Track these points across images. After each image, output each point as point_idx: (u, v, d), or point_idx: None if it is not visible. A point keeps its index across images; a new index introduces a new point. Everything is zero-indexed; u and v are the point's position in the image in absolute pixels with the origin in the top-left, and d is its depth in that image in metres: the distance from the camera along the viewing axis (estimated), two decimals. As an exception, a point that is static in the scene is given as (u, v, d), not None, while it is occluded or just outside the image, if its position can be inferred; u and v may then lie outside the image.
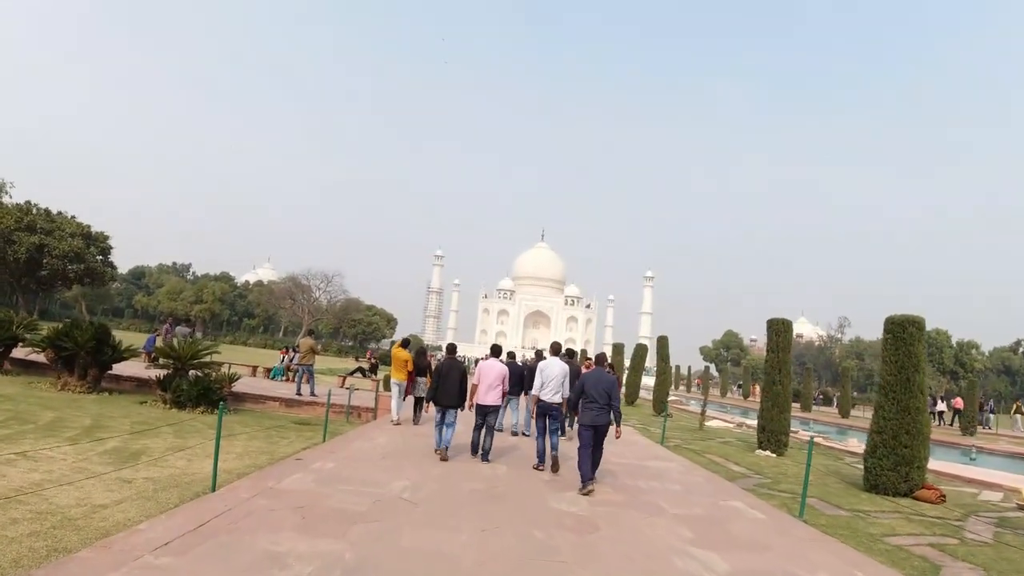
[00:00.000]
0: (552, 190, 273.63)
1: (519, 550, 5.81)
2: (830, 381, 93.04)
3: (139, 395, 16.42)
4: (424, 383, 14.64)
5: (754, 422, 26.53)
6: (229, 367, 24.92)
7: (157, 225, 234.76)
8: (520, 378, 13.85)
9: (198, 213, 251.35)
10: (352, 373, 24.95)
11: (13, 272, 32.44)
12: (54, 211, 33.86)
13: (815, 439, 21.19)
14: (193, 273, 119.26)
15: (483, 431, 10.72)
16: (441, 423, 10.75)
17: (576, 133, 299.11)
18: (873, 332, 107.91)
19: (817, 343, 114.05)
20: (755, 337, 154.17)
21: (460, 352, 15.23)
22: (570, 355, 13.06)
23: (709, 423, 23.22)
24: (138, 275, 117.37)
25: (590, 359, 12.13)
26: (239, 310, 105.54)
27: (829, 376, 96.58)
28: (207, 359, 16.63)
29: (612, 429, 9.20)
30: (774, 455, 15.66)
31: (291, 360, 24.38)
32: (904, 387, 11.20)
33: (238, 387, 18.36)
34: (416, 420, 15.44)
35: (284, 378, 23.99)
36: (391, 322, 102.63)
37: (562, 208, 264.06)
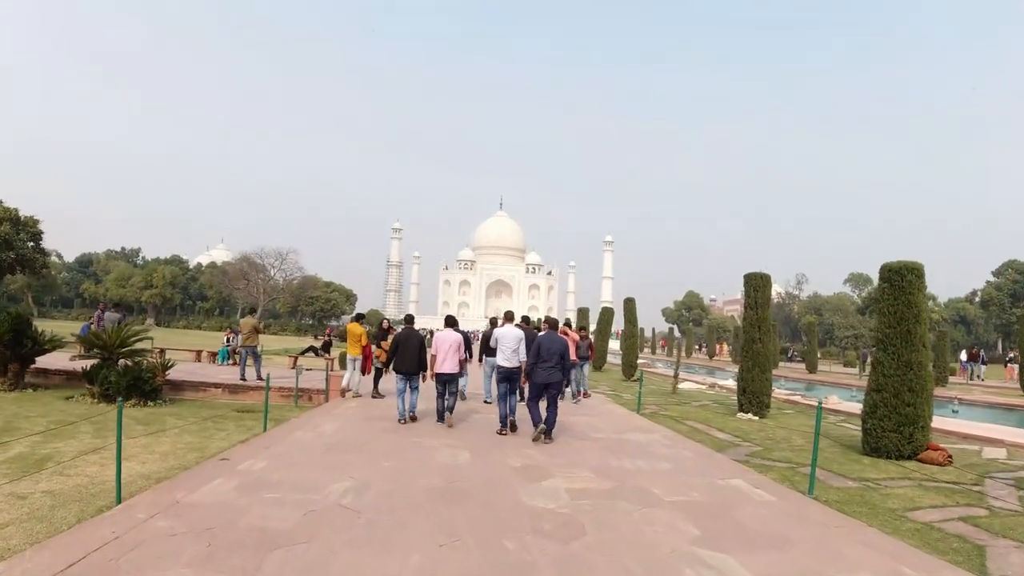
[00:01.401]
0: (509, 158, 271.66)
1: (486, 572, 4.58)
2: (789, 337, 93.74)
3: (67, 390, 14.84)
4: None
5: (726, 382, 25.87)
6: (164, 353, 23.32)
7: (105, 211, 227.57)
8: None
9: (147, 198, 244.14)
10: (304, 352, 23.40)
11: (-64, 265, 30.13)
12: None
13: (791, 397, 20.45)
14: (143, 258, 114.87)
15: (444, 397, 11.41)
16: (404, 390, 11.43)
17: (530, 100, 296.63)
18: (830, 287, 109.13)
19: (776, 300, 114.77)
20: (714, 297, 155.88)
21: (425, 324, 15.83)
22: (526, 321, 13.66)
23: (682, 385, 22.27)
24: (85, 263, 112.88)
25: (583, 328, 15.52)
26: (192, 293, 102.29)
27: (788, 332, 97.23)
28: (138, 346, 15.14)
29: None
30: (757, 418, 14.71)
31: (238, 342, 22.76)
32: (904, 340, 10.18)
33: (177, 375, 16.88)
34: (375, 394, 14.50)
35: (231, 362, 22.42)
36: (350, 298, 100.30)
37: (520, 176, 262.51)
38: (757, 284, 15.32)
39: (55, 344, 15.52)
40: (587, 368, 17.29)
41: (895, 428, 9.98)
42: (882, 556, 5.28)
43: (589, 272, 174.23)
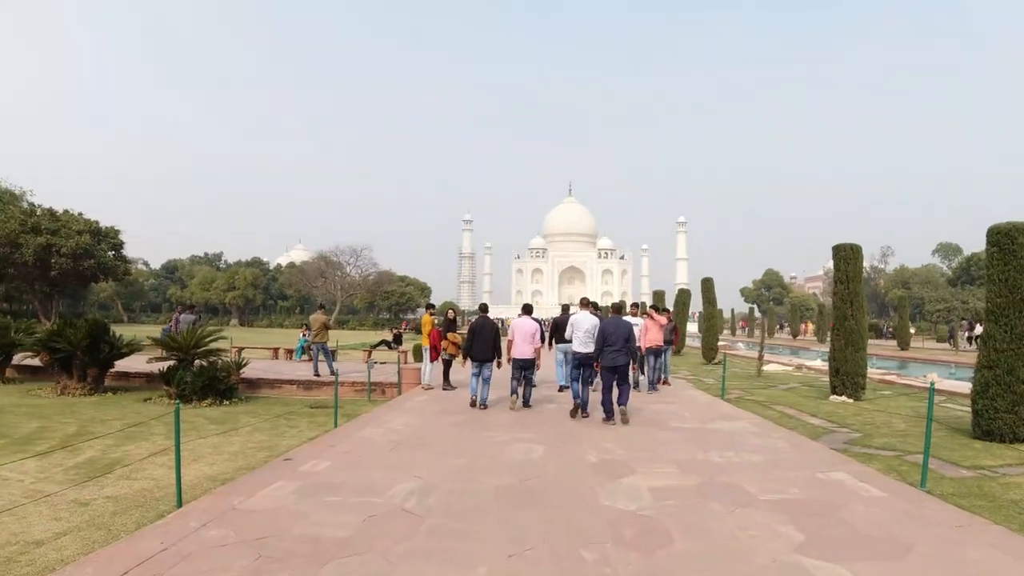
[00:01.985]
0: (576, 144, 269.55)
1: (561, 587, 4.06)
2: (876, 313, 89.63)
3: (147, 391, 15.10)
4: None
5: (813, 363, 24.61)
6: (241, 352, 23.65)
7: (190, 221, 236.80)
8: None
9: (231, 204, 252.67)
10: (376, 346, 23.37)
11: (24, 276, 31.44)
12: (59, 211, 32.81)
13: (886, 377, 19.18)
14: (225, 261, 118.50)
15: (521, 382, 11.70)
16: (478, 376, 11.82)
17: (595, 84, 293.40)
18: (918, 259, 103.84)
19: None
20: (794, 274, 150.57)
21: (499, 314, 15.69)
22: (594, 307, 13.29)
23: (766, 367, 21.21)
24: (171, 269, 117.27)
25: (668, 310, 16.15)
26: (273, 293, 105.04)
27: (875, 308, 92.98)
28: (212, 346, 15.22)
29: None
30: (852, 401, 13.74)
31: (309, 339, 22.91)
32: (1018, 310, 9.14)
33: (253, 372, 17.01)
34: (446, 385, 14.29)
35: (306, 358, 22.55)
36: (425, 291, 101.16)
37: (588, 161, 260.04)
38: (847, 256, 14.27)
39: (132, 348, 15.75)
40: (669, 354, 16.48)
41: (1009, 408, 9.00)
42: (1017, 561, 4.51)
43: (662, 254, 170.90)
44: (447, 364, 14.53)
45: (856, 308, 14.11)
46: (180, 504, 5.91)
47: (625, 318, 12.07)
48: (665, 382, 15.85)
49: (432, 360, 14.72)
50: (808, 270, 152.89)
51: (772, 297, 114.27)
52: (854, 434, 9.90)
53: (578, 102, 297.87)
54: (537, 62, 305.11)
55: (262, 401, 14.11)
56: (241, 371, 15.00)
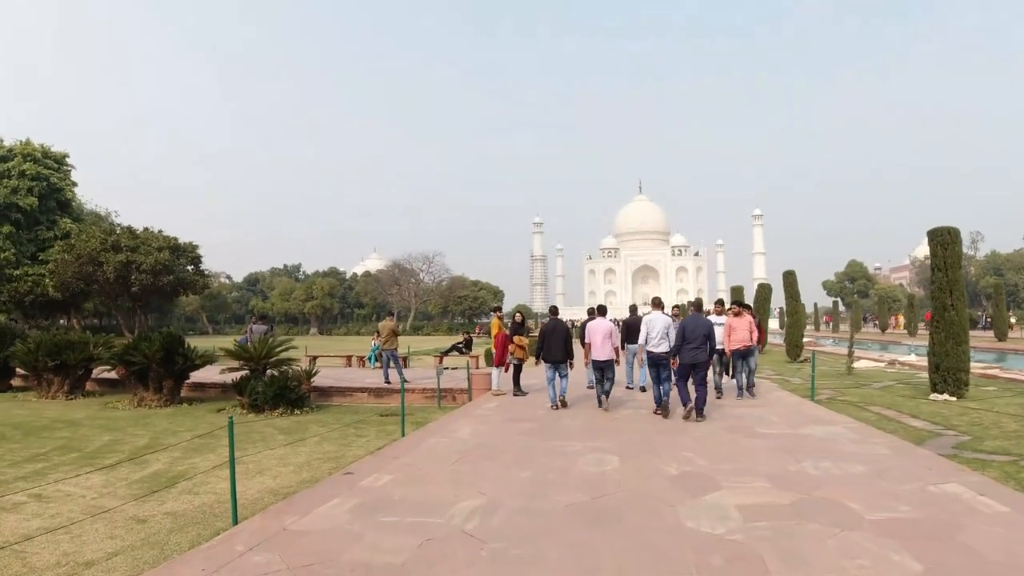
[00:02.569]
0: (643, 140, 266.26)
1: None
2: (968, 303, 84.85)
3: (221, 402, 15.21)
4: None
5: (907, 358, 23.12)
6: (315, 361, 23.75)
7: (271, 232, 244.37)
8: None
9: (310, 216, 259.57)
10: (448, 352, 23.07)
11: (107, 292, 32.60)
12: (139, 229, 33.98)
13: (988, 371, 17.76)
14: (303, 273, 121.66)
15: (603, 383, 11.78)
16: (553, 378, 12.01)
17: (657, 78, 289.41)
18: (1010, 244, 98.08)
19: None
20: (879, 265, 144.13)
21: (573, 315, 15.34)
22: (676, 307, 14.48)
23: (856, 364, 19.98)
24: (253, 281, 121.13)
25: (742, 306, 14.08)
26: (350, 302, 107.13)
27: (967, 297, 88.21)
28: (283, 356, 15.23)
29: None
30: (954, 399, 12.68)
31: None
32: None
33: (325, 381, 16.95)
34: (516, 391, 13.81)
35: (379, 364, 22.47)
36: (497, 295, 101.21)
37: (657, 157, 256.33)
38: (945, 241, 13.20)
39: (205, 360, 15.88)
40: (757, 357, 14.09)
41: None
42: None
43: (739, 250, 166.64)
44: (516, 369, 14.06)
45: (956, 297, 13.04)
46: (236, 522, 5.70)
47: (710, 317, 13.10)
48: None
49: (496, 365, 14.28)
50: (894, 259, 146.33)
51: (856, 290, 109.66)
52: (962, 437, 8.99)
53: (645, 97, 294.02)
54: (601, 59, 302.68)
55: (333, 409, 13.99)
56: (312, 380, 14.92)
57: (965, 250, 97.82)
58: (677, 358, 10.40)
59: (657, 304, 12.22)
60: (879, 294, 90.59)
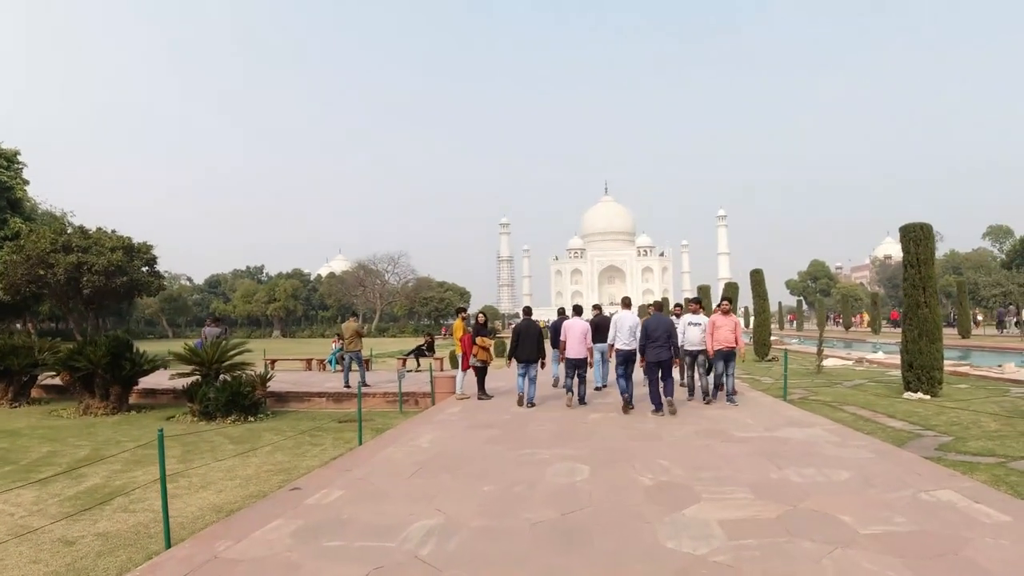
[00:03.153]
0: (609, 142, 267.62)
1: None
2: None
3: (172, 409, 14.46)
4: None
5: (875, 355, 23.00)
6: (272, 365, 22.94)
7: (233, 237, 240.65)
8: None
9: (273, 219, 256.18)
10: (409, 354, 22.41)
11: (58, 295, 31.29)
12: (91, 228, 32.67)
13: (957, 369, 17.65)
14: (267, 274, 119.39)
15: (575, 380, 12.06)
16: (524, 376, 12.13)
17: (625, 80, 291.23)
18: (968, 244, 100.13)
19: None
20: (839, 264, 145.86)
21: (539, 316, 14.56)
22: (658, 307, 13.16)
23: (825, 363, 19.78)
24: (214, 283, 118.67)
25: (724, 304, 12.69)
26: (314, 303, 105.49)
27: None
28: (237, 360, 14.51)
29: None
30: (928, 397, 12.47)
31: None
32: None
33: (282, 386, 16.27)
34: (481, 395, 13.29)
35: (340, 368, 21.74)
36: (464, 295, 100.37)
37: (622, 159, 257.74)
38: (917, 236, 12.99)
39: (155, 364, 15.09)
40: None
41: None
42: None
43: (703, 250, 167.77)
44: (479, 372, 13.50)
45: (929, 295, 12.81)
46: (168, 545, 5.13)
47: (685, 316, 13.30)
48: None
49: (463, 369, 13.75)
50: (854, 259, 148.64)
51: (819, 289, 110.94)
52: (943, 438, 8.69)
53: (610, 99, 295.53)
54: (565, 60, 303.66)
55: (290, 416, 13.36)
56: (267, 385, 14.23)
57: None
58: (644, 357, 10.95)
59: (626, 304, 12.42)
60: (841, 293, 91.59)
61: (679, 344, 11.89)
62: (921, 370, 12.66)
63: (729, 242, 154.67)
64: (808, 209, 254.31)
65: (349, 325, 17.47)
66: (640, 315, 15.52)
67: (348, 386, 16.01)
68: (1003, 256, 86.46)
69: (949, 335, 37.71)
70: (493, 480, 6.53)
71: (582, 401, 12.12)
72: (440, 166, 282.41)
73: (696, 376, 12.77)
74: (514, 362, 12.62)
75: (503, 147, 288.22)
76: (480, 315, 14.28)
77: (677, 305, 15.20)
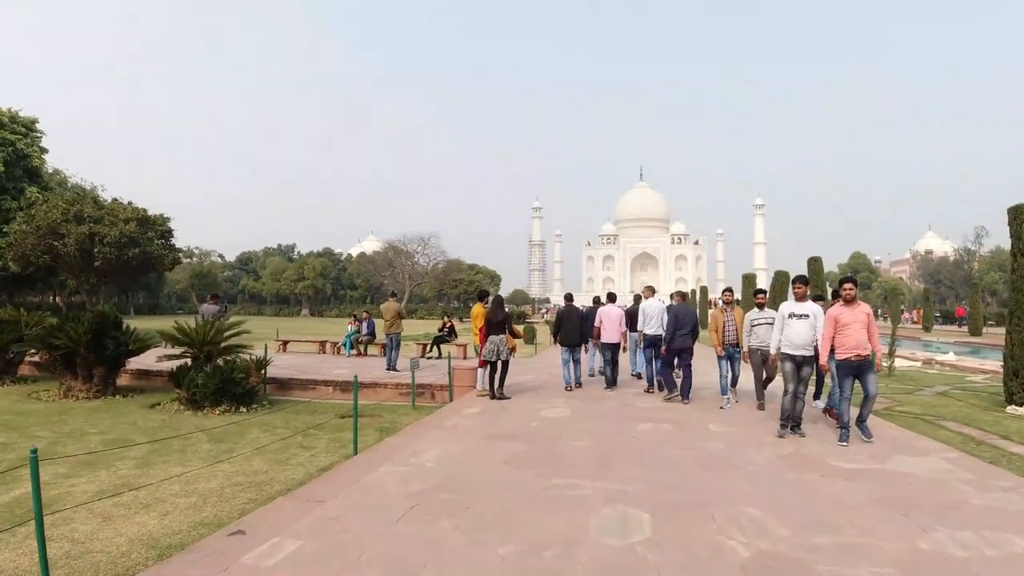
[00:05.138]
0: (646, 127, 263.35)
1: None
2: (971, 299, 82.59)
3: (163, 394, 12.85)
4: (501, 342, 11.39)
5: (945, 357, 20.62)
6: (285, 346, 21.33)
7: (268, 212, 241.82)
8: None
9: (311, 200, 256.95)
10: (433, 344, 20.48)
11: (69, 267, 29.88)
12: (107, 199, 31.21)
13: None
14: (298, 253, 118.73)
15: (610, 365, 12.83)
16: (569, 361, 12.56)
17: (662, 66, 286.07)
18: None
19: (953, 257, 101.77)
20: (879, 258, 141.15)
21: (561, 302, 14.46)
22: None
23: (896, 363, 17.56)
24: (245, 260, 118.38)
25: (847, 287, 8.19)
26: (344, 283, 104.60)
27: (968, 293, 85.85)
28: (233, 341, 12.89)
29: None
30: (1040, 412, 10.32)
31: (361, 331, 20.37)
32: None
33: (285, 371, 14.69)
34: (496, 393, 11.30)
35: (355, 352, 20.03)
36: (495, 279, 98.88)
37: (659, 145, 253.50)
38: (1031, 220, 10.78)
39: (142, 344, 13.47)
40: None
41: None
42: None
43: (739, 239, 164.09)
44: (493, 367, 11.48)
45: (1044, 290, 10.63)
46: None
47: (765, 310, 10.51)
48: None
49: (480, 365, 11.90)
50: (895, 253, 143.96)
51: (860, 282, 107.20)
52: None
53: (647, 84, 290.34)
54: (606, 46, 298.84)
55: (288, 407, 11.70)
56: (264, 371, 12.56)
57: (969, 245, 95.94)
58: (668, 343, 10.99)
59: (652, 291, 13.06)
60: (884, 287, 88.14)
61: (750, 344, 10.15)
62: (1031, 379, 10.53)
63: (766, 231, 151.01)
64: (847, 202, 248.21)
65: (390, 306, 16.15)
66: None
67: (395, 369, 15.15)
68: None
69: (953, 332, 35.32)
70: (514, 534, 4.59)
71: (612, 383, 12.68)
72: (476, 148, 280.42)
73: (790, 396, 8.26)
74: (559, 346, 12.83)
75: (538, 130, 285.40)
76: (489, 299, 12.30)
77: (726, 290, 11.77)
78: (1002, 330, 35.24)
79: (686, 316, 11.12)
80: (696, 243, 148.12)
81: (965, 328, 45.64)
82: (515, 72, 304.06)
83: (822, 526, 4.78)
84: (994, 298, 76.75)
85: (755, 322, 10.07)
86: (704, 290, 54.05)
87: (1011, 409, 10.60)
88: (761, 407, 10.19)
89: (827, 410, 9.49)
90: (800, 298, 8.63)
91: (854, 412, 8.04)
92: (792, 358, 8.30)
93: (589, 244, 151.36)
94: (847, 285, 7.97)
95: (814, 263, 22.47)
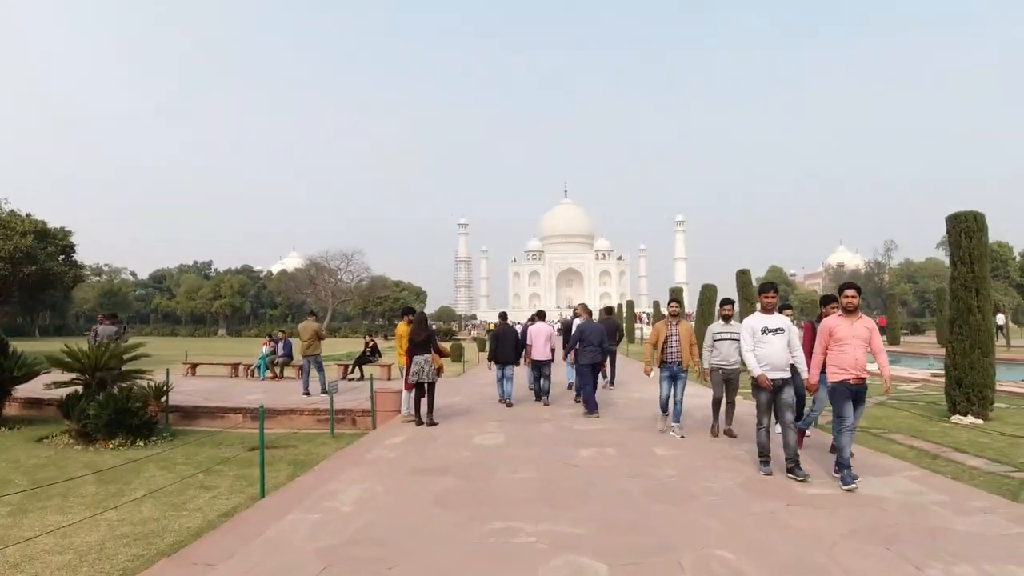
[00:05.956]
0: (570, 145, 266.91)
1: None
2: (881, 309, 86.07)
3: (54, 425, 11.47)
4: (426, 362, 10.40)
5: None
6: (194, 370, 19.90)
7: (181, 228, 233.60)
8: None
9: (227, 216, 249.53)
10: (356, 365, 19.33)
11: (-43, 284, 27.39)
12: (6, 210, 28.70)
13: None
14: (215, 270, 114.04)
15: (540, 380, 13.07)
16: (502, 378, 12.76)
17: (586, 88, 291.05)
18: (922, 252, 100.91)
19: (864, 270, 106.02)
20: (794, 272, 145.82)
21: (489, 317, 13.20)
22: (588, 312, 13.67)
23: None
24: (159, 278, 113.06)
25: (849, 293, 6.70)
26: (264, 301, 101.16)
27: (879, 304, 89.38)
28: (132, 366, 11.73)
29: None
30: (981, 421, 10.19)
31: (277, 352, 19.06)
32: None
33: (191, 398, 13.44)
34: (424, 418, 10.39)
35: (270, 375, 18.74)
36: (421, 296, 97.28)
37: (583, 162, 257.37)
38: (969, 229, 10.68)
39: (27, 370, 12.09)
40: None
41: None
42: None
43: (661, 255, 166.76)
44: (420, 389, 10.54)
45: (983, 298, 10.53)
46: None
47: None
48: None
49: (406, 388, 10.93)
50: (808, 266, 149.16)
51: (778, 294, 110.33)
52: None
53: (571, 102, 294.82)
54: (530, 64, 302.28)
55: (192, 440, 10.58)
56: (163, 399, 11.34)
57: (878, 258, 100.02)
58: (576, 358, 11.70)
59: (586, 310, 13.41)
60: (800, 299, 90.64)
61: (712, 362, 9.14)
62: (972, 389, 10.36)
63: (687, 247, 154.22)
64: (764, 218, 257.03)
65: (308, 325, 15.00)
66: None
67: (307, 393, 14.10)
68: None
69: (928, 343, 36.40)
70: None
71: (545, 394, 12.86)
72: (399, 166, 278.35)
73: (771, 428, 7.14)
74: (491, 364, 13.06)
75: (464, 147, 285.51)
76: (408, 317, 11.35)
77: (673, 301, 10.50)
78: (918, 339, 36.63)
79: (592, 332, 11.54)
80: (619, 259, 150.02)
81: (884, 338, 47.06)
82: (438, 87, 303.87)
83: (805, 569, 4.14)
84: (904, 308, 79.80)
85: (718, 336, 9.02)
86: (630, 304, 54.14)
87: (956, 419, 10.39)
88: (715, 433, 9.11)
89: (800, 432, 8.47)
90: (770, 309, 7.20)
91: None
92: (773, 383, 6.88)
93: (515, 260, 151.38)
94: (849, 292, 6.60)
95: (743, 275, 22.50)
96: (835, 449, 6.87)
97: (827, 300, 7.86)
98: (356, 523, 5.28)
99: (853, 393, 6.50)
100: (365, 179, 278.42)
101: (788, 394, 6.89)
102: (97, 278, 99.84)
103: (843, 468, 6.32)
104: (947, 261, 48.83)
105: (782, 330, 7.00)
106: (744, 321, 7.45)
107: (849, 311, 6.58)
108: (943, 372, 11.45)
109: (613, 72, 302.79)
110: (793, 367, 7.02)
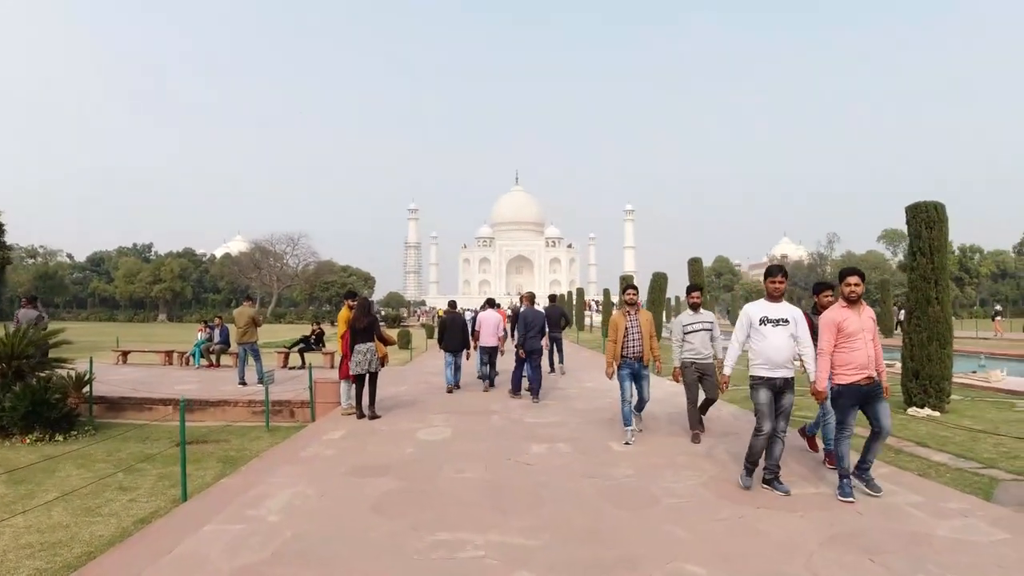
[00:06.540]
0: (522, 131, 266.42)
1: None
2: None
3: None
4: (369, 351, 9.75)
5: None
6: (125, 357, 18.91)
7: (125, 215, 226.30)
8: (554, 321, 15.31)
9: (168, 199, 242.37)
10: (294, 347, 18.66)
11: None
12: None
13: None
14: (156, 253, 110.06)
15: (488, 367, 13.49)
16: (451, 364, 12.95)
17: (538, 75, 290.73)
18: (864, 245, 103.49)
19: (807, 262, 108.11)
20: (739, 262, 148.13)
21: (439, 304, 14.07)
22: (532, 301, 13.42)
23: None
24: (97, 261, 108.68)
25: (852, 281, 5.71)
26: (206, 286, 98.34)
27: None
28: (52, 355, 10.94)
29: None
30: (938, 414, 10.03)
31: (213, 339, 18.18)
32: None
33: (118, 389, 12.58)
34: (365, 410, 9.79)
35: (205, 363, 17.85)
36: (369, 281, 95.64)
37: (534, 149, 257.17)
38: (929, 219, 10.46)
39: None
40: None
41: None
42: None
43: (610, 243, 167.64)
44: (361, 380, 9.86)
45: (942, 289, 10.35)
46: None
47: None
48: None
49: (341, 377, 10.37)
50: (753, 257, 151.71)
51: (723, 284, 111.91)
52: (1011, 475, 6.17)
53: (524, 90, 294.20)
54: (484, 52, 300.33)
55: (117, 434, 9.90)
56: (83, 390, 10.54)
57: (821, 250, 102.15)
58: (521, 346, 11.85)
59: (531, 299, 12.84)
60: (745, 289, 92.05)
61: (683, 357, 8.23)
62: (930, 381, 10.19)
63: (636, 236, 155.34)
64: (711, 208, 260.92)
65: (243, 311, 14.29)
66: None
67: (243, 383, 13.53)
68: (897, 259, 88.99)
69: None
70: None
71: (491, 384, 13.30)
72: (349, 149, 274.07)
73: (764, 436, 5.95)
74: (434, 352, 13.77)
75: (415, 130, 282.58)
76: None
77: (629, 288, 8.83)
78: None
79: (534, 319, 11.93)
80: (569, 246, 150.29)
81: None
82: (391, 71, 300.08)
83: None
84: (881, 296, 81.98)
85: (689, 328, 8.19)
86: (580, 292, 54.03)
87: (912, 411, 10.23)
88: (696, 438, 8.03)
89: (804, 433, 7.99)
90: (776, 296, 6.07)
91: (854, 456, 5.90)
92: (770, 383, 5.86)
93: (465, 247, 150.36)
94: (852, 279, 5.70)
95: (694, 264, 22.36)
96: (831, 455, 6.39)
97: (821, 287, 7.09)
98: (283, 535, 4.69)
99: (863, 396, 5.68)
100: (315, 165, 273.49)
101: (789, 399, 5.97)
102: (32, 260, 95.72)
103: (843, 478, 5.70)
104: (887, 254, 50.23)
105: (786, 321, 5.91)
106: (743, 308, 6.39)
107: (852, 301, 5.70)
108: (893, 363, 11.33)
109: (566, 61, 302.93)
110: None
